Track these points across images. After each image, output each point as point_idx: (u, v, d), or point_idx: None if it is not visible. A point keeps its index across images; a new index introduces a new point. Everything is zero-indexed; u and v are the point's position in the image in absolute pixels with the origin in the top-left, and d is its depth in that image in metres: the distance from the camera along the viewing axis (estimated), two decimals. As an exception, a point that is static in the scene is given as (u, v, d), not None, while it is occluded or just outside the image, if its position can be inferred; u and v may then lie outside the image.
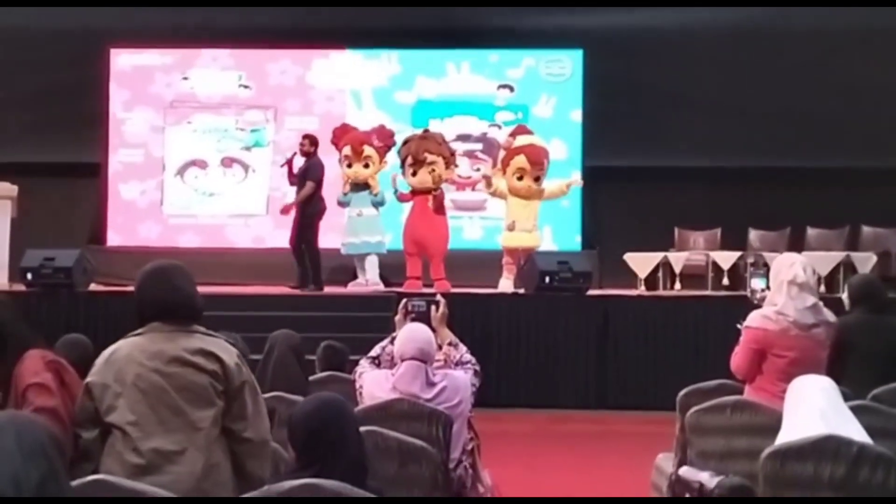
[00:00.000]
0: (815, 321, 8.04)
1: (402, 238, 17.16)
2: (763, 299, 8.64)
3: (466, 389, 7.84)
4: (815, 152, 19.10)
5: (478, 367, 8.12)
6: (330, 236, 17.42)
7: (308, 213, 16.65)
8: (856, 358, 8.66)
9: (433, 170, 16.90)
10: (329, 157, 17.22)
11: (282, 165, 17.33)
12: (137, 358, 5.27)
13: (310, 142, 16.82)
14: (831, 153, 19.04)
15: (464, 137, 19.56)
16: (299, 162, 16.83)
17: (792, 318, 8.00)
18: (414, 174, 16.91)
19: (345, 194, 17.10)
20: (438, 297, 8.68)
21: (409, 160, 16.95)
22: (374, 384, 7.70)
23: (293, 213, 16.86)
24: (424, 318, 8.40)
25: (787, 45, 19.32)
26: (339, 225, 17.50)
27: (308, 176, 16.57)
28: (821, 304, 8.18)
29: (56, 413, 5.38)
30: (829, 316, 8.18)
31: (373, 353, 8.12)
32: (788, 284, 8.05)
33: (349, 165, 17.09)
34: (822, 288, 16.51)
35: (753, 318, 8.16)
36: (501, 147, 17.79)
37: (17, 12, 19.63)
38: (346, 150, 17.10)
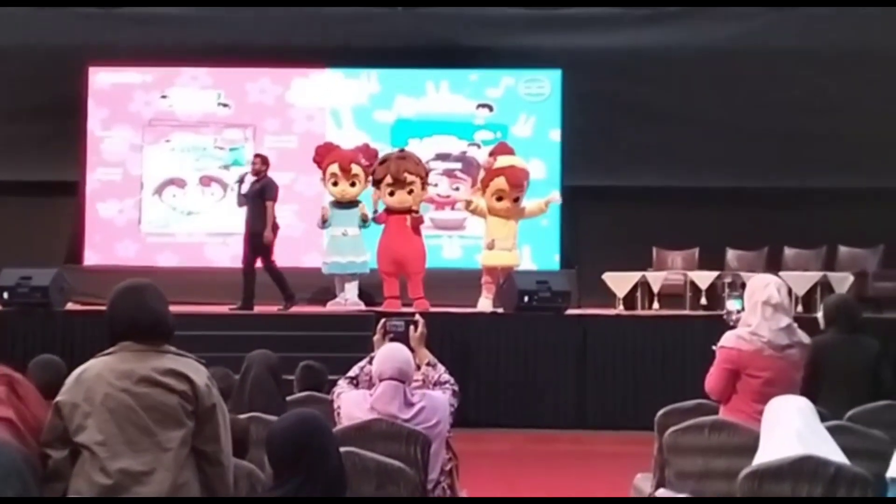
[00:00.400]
0: (789, 342, 8.08)
1: (378, 258, 17.09)
2: (738, 320, 8.66)
3: (445, 409, 7.83)
4: (793, 173, 19.17)
5: (456, 388, 8.12)
6: (312, 255, 17.48)
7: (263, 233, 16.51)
8: (831, 378, 8.70)
9: (411, 190, 16.91)
10: (308, 175, 17.29)
11: (236, 182, 17.33)
12: (107, 377, 5.26)
13: (261, 161, 16.77)
14: (809, 174, 19.10)
15: (443, 156, 19.62)
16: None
17: (766, 338, 8.04)
18: (392, 194, 16.86)
19: (324, 219, 17.11)
20: (417, 316, 8.64)
21: (388, 180, 16.84)
22: (353, 404, 7.69)
23: (242, 231, 16.85)
24: (403, 338, 8.39)
25: (765, 65, 19.40)
26: (317, 244, 17.57)
27: (266, 196, 16.49)
28: (795, 325, 8.22)
29: (10, 423, 5.31)
30: (804, 337, 8.23)
31: (351, 373, 8.13)
32: (763, 305, 8.09)
33: (335, 184, 17.10)
34: (800, 307, 16.70)
35: (727, 339, 8.20)
36: (482, 167, 17.89)
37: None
38: (334, 168, 17.09)
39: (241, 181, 17.01)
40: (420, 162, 17.55)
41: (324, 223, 17.09)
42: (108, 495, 5.09)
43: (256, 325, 15.10)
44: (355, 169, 17.13)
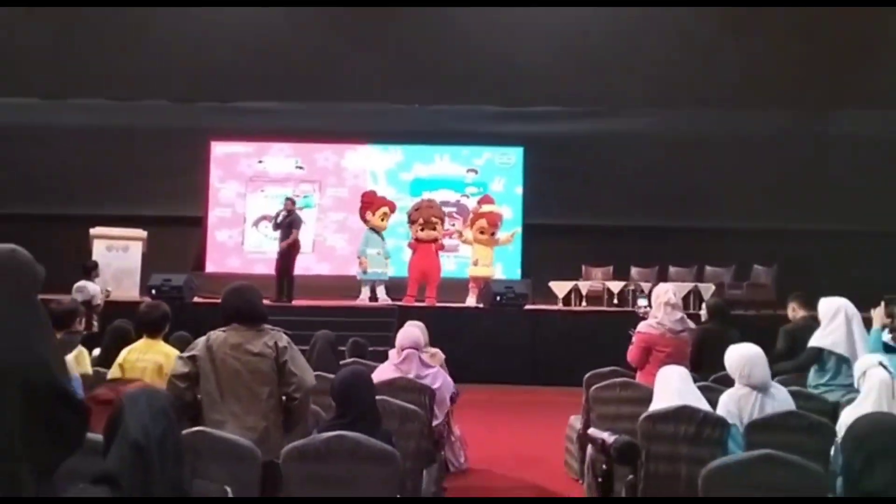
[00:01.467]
0: (682, 328, 8.39)
1: (409, 270, 17.44)
2: (647, 313, 8.83)
3: (446, 378, 8.10)
4: (676, 217, 19.16)
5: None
6: (353, 268, 17.53)
7: (291, 251, 16.82)
8: (708, 354, 8.69)
9: (435, 227, 17.43)
10: (354, 214, 17.37)
11: (274, 215, 17.45)
12: (223, 347, 5.46)
13: (291, 203, 17.06)
14: (686, 218, 19.10)
15: (444, 203, 19.48)
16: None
17: (667, 326, 8.30)
18: (422, 229, 17.39)
19: (364, 269, 17.49)
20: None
21: (421, 221, 17.40)
22: (381, 371, 7.84)
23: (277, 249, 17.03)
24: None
25: (661, 145, 19.35)
26: (340, 257, 17.82)
27: (293, 226, 16.73)
28: (685, 317, 8.50)
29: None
30: (691, 325, 8.54)
31: None
32: (665, 304, 8.36)
33: (382, 219, 17.69)
34: (681, 307, 16.58)
35: (642, 327, 8.46)
36: (472, 211, 18.57)
37: (152, 114, 19.70)
38: (385, 210, 17.78)
39: (277, 215, 17.08)
40: (441, 209, 18.05)
41: (363, 271, 17.45)
42: (218, 429, 5.12)
43: (320, 313, 14.98)
44: (388, 212, 17.78)
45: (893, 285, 6.48)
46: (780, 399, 6.25)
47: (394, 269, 18.09)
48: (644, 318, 8.64)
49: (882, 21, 19.57)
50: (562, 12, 19.63)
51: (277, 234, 17.03)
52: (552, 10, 19.62)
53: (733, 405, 6.19)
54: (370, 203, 17.84)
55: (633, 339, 8.44)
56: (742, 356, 6.38)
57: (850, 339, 7.51)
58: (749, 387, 6.25)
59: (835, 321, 7.75)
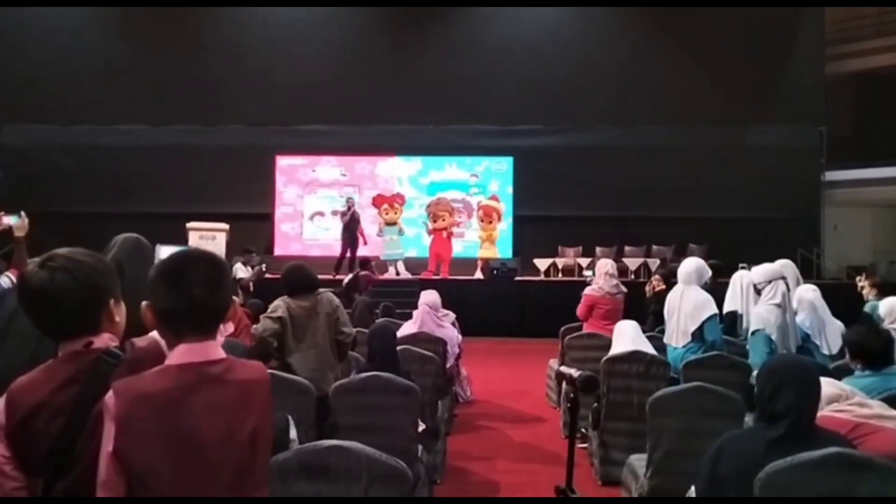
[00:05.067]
0: (617, 291, 8.49)
1: (430, 251, 17.77)
2: (592, 280, 8.93)
3: (455, 333, 8.44)
4: (630, 207, 19.11)
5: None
6: (379, 251, 17.51)
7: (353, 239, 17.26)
8: (655, 313, 8.77)
9: (444, 219, 17.73)
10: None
11: (340, 212, 17.98)
12: (294, 309, 5.54)
13: (352, 202, 17.70)
14: (638, 208, 19.06)
15: (455, 200, 19.45)
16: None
17: (606, 290, 8.43)
18: (435, 220, 17.82)
19: (380, 231, 18.11)
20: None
21: (433, 215, 17.94)
22: (406, 327, 8.02)
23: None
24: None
25: (618, 153, 19.35)
26: (374, 243, 17.79)
27: (354, 219, 17.35)
28: (620, 283, 8.54)
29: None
30: (623, 289, 8.53)
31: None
32: (604, 274, 8.51)
33: (387, 213, 18.29)
34: (633, 276, 16.56)
35: (587, 290, 8.56)
36: (479, 206, 19.07)
37: (233, 135, 19.79)
38: (385, 206, 18.41)
39: (343, 212, 17.51)
40: (448, 205, 18.38)
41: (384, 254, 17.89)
42: (296, 363, 5.41)
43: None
44: (394, 205, 18.28)
45: (791, 257, 6.39)
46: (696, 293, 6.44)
47: (416, 250, 18.31)
48: (590, 284, 8.70)
49: (788, 50, 19.81)
50: (541, 51, 19.77)
51: (338, 223, 17.89)
52: (534, 51, 19.78)
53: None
54: (378, 204, 18.52)
55: (581, 299, 8.48)
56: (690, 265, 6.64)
57: (745, 300, 7.05)
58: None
59: (735, 289, 7.47)
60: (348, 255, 17.09)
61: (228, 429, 2.08)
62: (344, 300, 7.88)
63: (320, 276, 6.21)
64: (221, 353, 2.15)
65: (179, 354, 2.09)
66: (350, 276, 13.69)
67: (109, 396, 1.99)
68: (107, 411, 1.99)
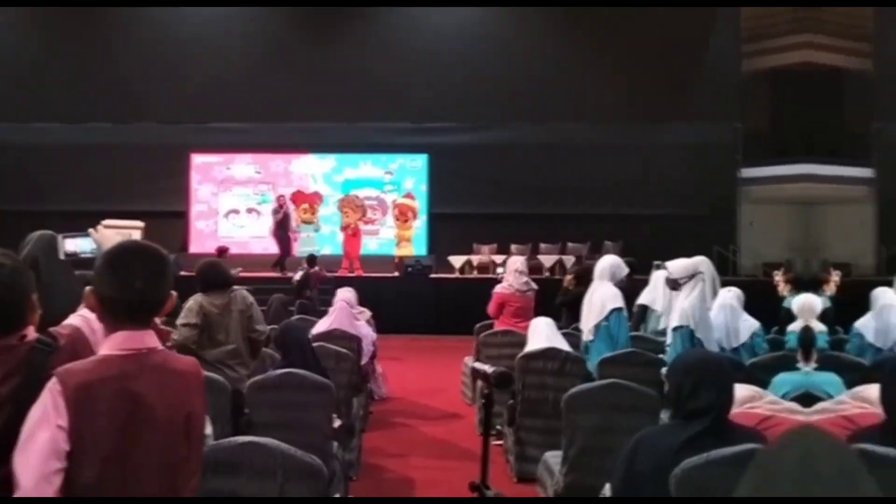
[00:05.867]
0: (527, 289, 8.47)
1: (343, 247, 18.02)
2: (503, 278, 8.91)
3: (370, 330, 8.48)
4: (544, 204, 19.03)
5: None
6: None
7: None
8: (563, 304, 8.79)
9: (348, 215, 18.45)
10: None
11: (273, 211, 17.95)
12: (208, 306, 5.44)
13: (283, 198, 18.13)
14: (552, 205, 19.03)
15: (369, 198, 19.36)
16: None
17: (515, 287, 8.40)
18: (346, 215, 18.17)
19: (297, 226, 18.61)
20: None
21: (343, 209, 18.28)
22: (321, 324, 7.93)
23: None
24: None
25: (532, 150, 19.32)
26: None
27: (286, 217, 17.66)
28: (530, 280, 8.57)
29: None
30: (534, 286, 8.53)
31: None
32: (515, 271, 8.51)
33: (305, 212, 18.71)
34: (547, 273, 16.69)
35: (498, 288, 8.55)
36: (394, 205, 19.21)
37: (148, 133, 19.41)
38: (305, 205, 18.75)
39: (275, 210, 17.95)
40: (353, 202, 19.03)
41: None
42: (210, 360, 5.26)
43: (277, 280, 14.80)
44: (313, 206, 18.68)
45: (707, 254, 6.36)
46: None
47: (331, 248, 18.39)
48: (501, 282, 8.69)
49: (704, 47, 19.93)
50: (456, 49, 19.69)
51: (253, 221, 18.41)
52: (450, 49, 19.70)
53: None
54: (297, 202, 19.01)
55: (492, 296, 8.47)
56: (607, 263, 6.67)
57: (664, 295, 7.11)
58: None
59: (655, 285, 7.56)
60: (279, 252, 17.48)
61: (170, 414, 2.14)
62: (296, 297, 7.65)
63: (265, 275, 6.17)
64: (158, 343, 2.20)
65: (118, 342, 2.14)
66: (301, 273, 13.74)
67: (54, 382, 2.01)
68: (54, 394, 2.00)
